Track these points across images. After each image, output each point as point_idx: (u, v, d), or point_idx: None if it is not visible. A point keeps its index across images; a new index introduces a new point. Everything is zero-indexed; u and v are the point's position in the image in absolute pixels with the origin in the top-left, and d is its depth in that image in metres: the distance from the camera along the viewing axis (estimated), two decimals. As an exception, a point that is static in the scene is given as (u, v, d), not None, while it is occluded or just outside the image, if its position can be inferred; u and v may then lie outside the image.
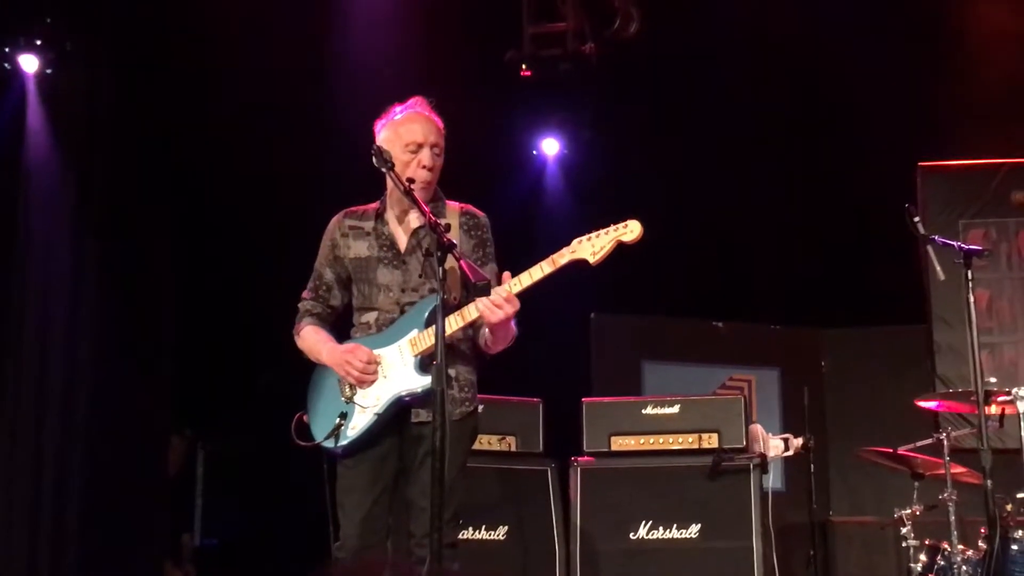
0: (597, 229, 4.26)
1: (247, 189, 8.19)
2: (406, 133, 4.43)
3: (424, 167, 4.37)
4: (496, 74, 8.28)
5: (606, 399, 6.82)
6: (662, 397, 6.67)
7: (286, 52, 8.05)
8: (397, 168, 4.35)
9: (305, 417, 4.44)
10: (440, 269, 3.98)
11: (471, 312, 4.24)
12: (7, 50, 7.44)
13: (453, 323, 4.24)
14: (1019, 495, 5.72)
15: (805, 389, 6.91)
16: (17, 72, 7.51)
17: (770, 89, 8.74)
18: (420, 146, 4.40)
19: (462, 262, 4.00)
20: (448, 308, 4.23)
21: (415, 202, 4.22)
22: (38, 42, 7.45)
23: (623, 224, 4.22)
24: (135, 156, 7.93)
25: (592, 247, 4.20)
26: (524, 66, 8.31)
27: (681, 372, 8.68)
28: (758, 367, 8.75)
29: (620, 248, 4.22)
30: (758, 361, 8.77)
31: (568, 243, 4.27)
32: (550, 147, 9.10)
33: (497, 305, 4.15)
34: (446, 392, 3.94)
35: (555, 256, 4.23)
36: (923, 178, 8.62)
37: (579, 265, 4.22)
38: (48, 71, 7.54)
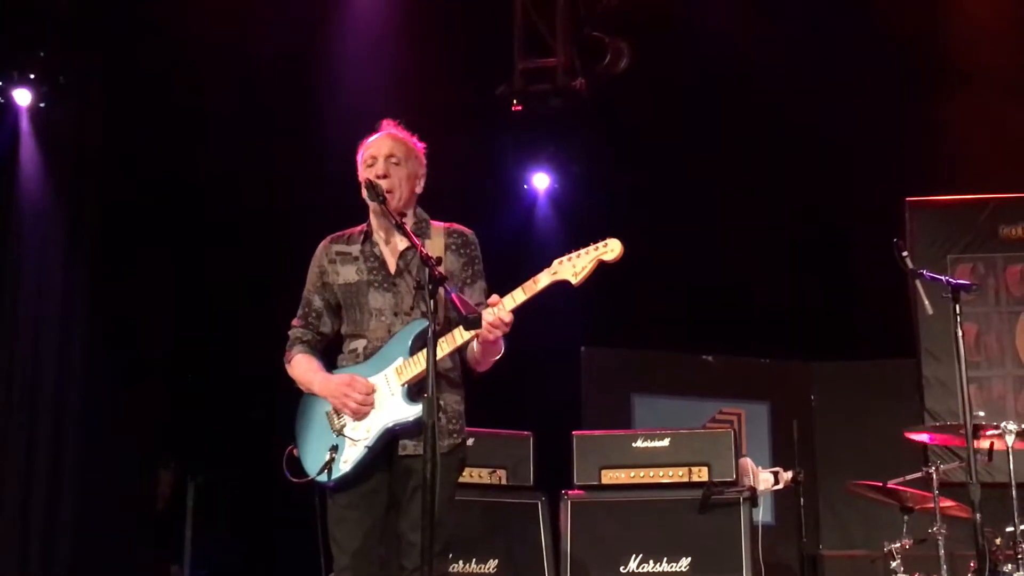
0: (577, 249, 4.23)
1: (238, 219, 8.22)
2: (366, 152, 4.48)
3: (377, 175, 4.36)
4: (487, 109, 8.33)
5: (596, 432, 6.82)
6: (652, 430, 6.68)
7: (276, 90, 8.11)
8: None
9: (295, 451, 4.41)
10: (432, 302, 3.98)
11: (459, 336, 4.23)
12: (1, 84, 7.46)
13: (442, 348, 4.22)
14: (1008, 529, 5.71)
15: (795, 422, 6.93)
16: (11, 105, 7.54)
17: (759, 124, 8.80)
18: (375, 159, 4.43)
19: (453, 296, 3.99)
20: (435, 334, 4.23)
21: (406, 235, 4.23)
22: (32, 76, 7.48)
23: (603, 243, 4.18)
24: (126, 188, 7.96)
25: (573, 267, 4.18)
26: (515, 101, 8.36)
27: (671, 405, 8.68)
28: (748, 400, 8.76)
29: (601, 267, 4.17)
30: (748, 394, 8.79)
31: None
32: (541, 181, 9.15)
33: (495, 326, 4.15)
34: (431, 423, 3.91)
35: (536, 277, 4.21)
36: (911, 213, 8.66)
37: (562, 286, 4.18)
38: (41, 104, 7.57)
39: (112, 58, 7.78)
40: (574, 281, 4.17)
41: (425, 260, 4.03)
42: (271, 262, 7.54)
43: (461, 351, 4.40)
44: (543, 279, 4.19)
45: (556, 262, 4.21)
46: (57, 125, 7.70)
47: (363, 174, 4.44)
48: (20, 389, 7.47)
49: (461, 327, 4.17)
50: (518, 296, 4.20)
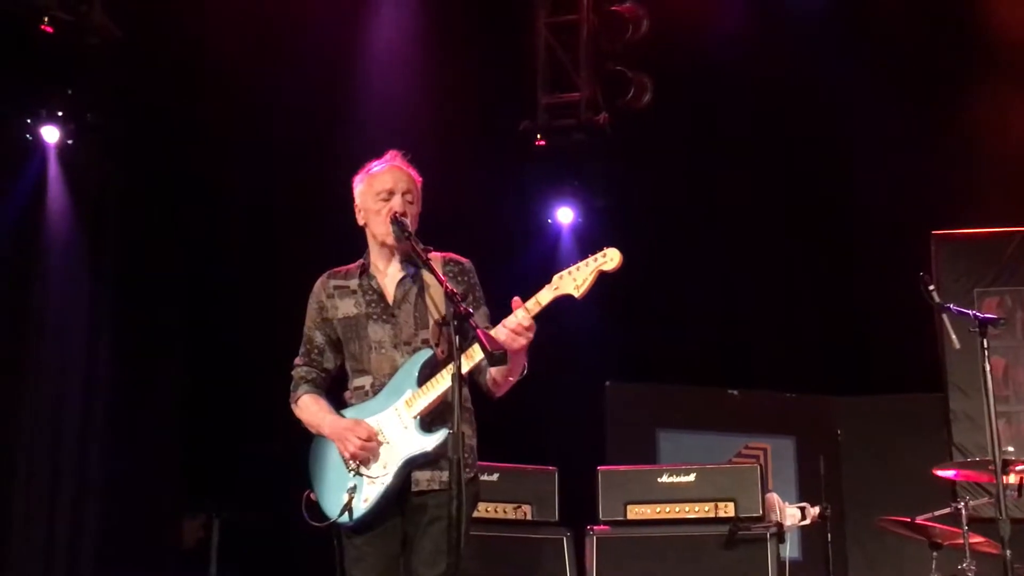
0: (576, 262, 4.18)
1: (259, 254, 8.26)
2: (377, 183, 4.45)
3: (399, 213, 4.36)
4: (511, 144, 8.36)
5: (622, 467, 6.80)
6: (678, 466, 6.65)
7: (298, 125, 8.16)
8: (370, 219, 4.42)
9: (313, 495, 4.37)
10: (457, 338, 3.97)
11: (471, 356, 4.15)
12: (29, 121, 7.54)
13: (448, 376, 4.16)
14: (1038, 565, 5.67)
15: (821, 458, 6.88)
16: (39, 143, 7.61)
17: (782, 158, 8.81)
18: (391, 193, 4.41)
19: (479, 332, 3.98)
20: (440, 363, 4.22)
21: (431, 271, 4.23)
22: (60, 113, 7.55)
23: (602, 253, 4.13)
24: (148, 225, 8.02)
25: (574, 280, 4.13)
26: (539, 136, 8.40)
27: (696, 440, 8.64)
28: (774, 435, 8.72)
29: (602, 278, 4.10)
30: (774, 429, 8.74)
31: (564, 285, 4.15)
32: (565, 216, 9.15)
33: (517, 332, 4.11)
34: (457, 459, 3.87)
35: (539, 295, 4.16)
36: (937, 246, 8.63)
37: (565, 299, 4.12)
38: (69, 141, 7.63)
39: (135, 96, 7.85)
40: (576, 294, 4.12)
41: (451, 296, 4.03)
42: (293, 296, 7.56)
43: (474, 381, 4.36)
44: (545, 296, 4.14)
45: (556, 277, 4.16)
46: (83, 162, 7.76)
47: (373, 205, 4.42)
48: (45, 424, 7.49)
49: (472, 351, 4.10)
50: (521, 315, 4.12)
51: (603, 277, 4.10)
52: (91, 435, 7.62)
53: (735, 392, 8.78)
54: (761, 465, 6.88)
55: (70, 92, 7.53)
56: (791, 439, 8.70)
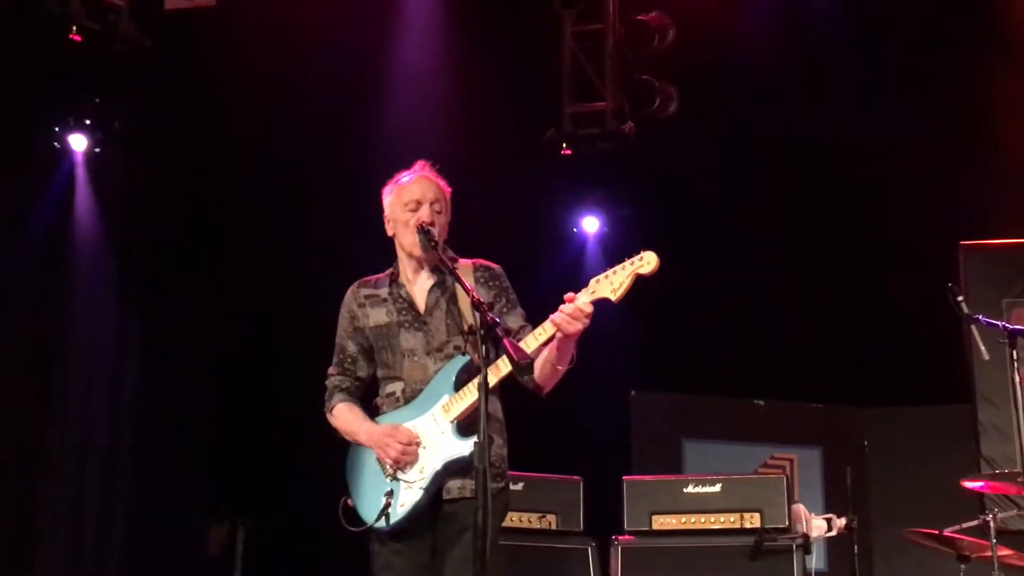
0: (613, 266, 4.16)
1: (283, 262, 8.28)
2: (406, 194, 4.47)
3: (427, 223, 4.38)
4: (536, 153, 8.36)
5: (647, 477, 6.79)
6: (703, 476, 6.63)
7: (324, 136, 8.19)
8: (398, 229, 4.44)
9: (350, 501, 4.38)
10: (483, 347, 3.97)
11: (502, 366, 4.14)
12: (57, 129, 7.59)
13: (489, 379, 4.08)
14: (1068, 578, 5.62)
15: (848, 468, 6.84)
16: (67, 151, 7.65)
17: (809, 168, 8.77)
18: (419, 203, 4.43)
19: (505, 342, 3.98)
20: (477, 369, 4.18)
21: (458, 280, 4.23)
22: (87, 122, 7.60)
23: (639, 256, 4.11)
24: (176, 232, 8.06)
25: (611, 284, 4.11)
26: (564, 145, 8.39)
27: (722, 450, 8.62)
28: (800, 446, 8.68)
29: (638, 281, 4.08)
30: (800, 440, 8.70)
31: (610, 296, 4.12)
32: (590, 225, 9.14)
33: (575, 317, 4.08)
34: (483, 468, 3.87)
35: (577, 298, 4.11)
36: (965, 257, 8.57)
37: (602, 303, 4.10)
38: (96, 150, 7.68)
39: (162, 104, 7.90)
40: (613, 298, 4.10)
41: (477, 305, 4.02)
42: (321, 306, 7.58)
43: (517, 384, 4.34)
44: (582, 298, 4.12)
45: (593, 281, 4.15)
46: (110, 170, 7.81)
47: (401, 216, 4.44)
48: (72, 431, 7.54)
49: (503, 360, 4.11)
50: (581, 302, 4.10)
51: (638, 282, 4.08)
52: (118, 442, 7.66)
53: (761, 402, 8.75)
54: (787, 476, 6.85)
55: (98, 100, 7.59)
56: (818, 450, 8.66)
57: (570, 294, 4.13)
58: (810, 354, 8.91)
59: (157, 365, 7.92)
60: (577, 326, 4.10)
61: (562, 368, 4.28)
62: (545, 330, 4.17)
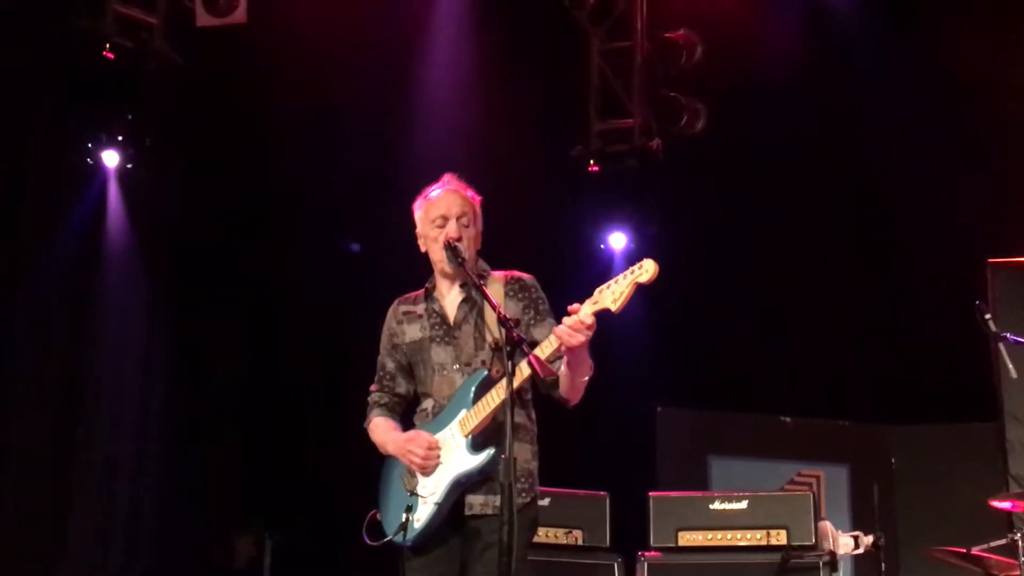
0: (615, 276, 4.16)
1: (315, 280, 8.33)
2: (433, 209, 4.49)
3: (454, 238, 4.40)
4: (564, 169, 8.39)
5: (673, 493, 6.77)
6: (730, 493, 6.62)
7: (354, 152, 8.24)
8: (429, 245, 4.47)
9: (378, 515, 4.43)
10: (509, 364, 3.99)
11: (520, 372, 4.15)
12: (90, 146, 7.67)
13: (495, 395, 4.19)
14: (1096, 598, 5.59)
15: (875, 486, 6.83)
16: (99, 167, 7.74)
17: (836, 186, 8.77)
18: (446, 219, 4.45)
19: (531, 357, 4.00)
20: (493, 381, 4.22)
21: (484, 297, 4.26)
22: (120, 138, 7.67)
23: (638, 265, 4.13)
24: (207, 247, 8.12)
25: (612, 294, 4.11)
26: (592, 162, 8.42)
27: (748, 467, 8.59)
28: (827, 463, 8.65)
29: (639, 290, 4.10)
30: (827, 457, 8.67)
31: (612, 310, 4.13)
32: (617, 241, 9.15)
33: (576, 329, 4.07)
34: (508, 483, 3.89)
35: (581, 309, 4.13)
36: (993, 275, 8.53)
37: (604, 314, 4.11)
38: (128, 166, 7.76)
39: (194, 121, 7.98)
40: (614, 308, 4.10)
41: (503, 322, 4.05)
42: (352, 323, 7.63)
43: (549, 396, 4.34)
44: (585, 309, 4.12)
45: (596, 291, 4.15)
46: (142, 186, 7.89)
47: (430, 232, 4.47)
48: (101, 441, 7.61)
49: (521, 367, 4.12)
50: (583, 314, 4.11)
51: (652, 295, 4.09)
52: (147, 451, 7.72)
53: (788, 419, 8.73)
54: (814, 493, 6.84)
55: (130, 117, 7.67)
56: (845, 467, 8.63)
57: (574, 305, 4.14)
58: (838, 371, 8.89)
59: (187, 379, 7.99)
60: (579, 338, 4.10)
61: (580, 379, 4.27)
62: (551, 343, 4.18)
